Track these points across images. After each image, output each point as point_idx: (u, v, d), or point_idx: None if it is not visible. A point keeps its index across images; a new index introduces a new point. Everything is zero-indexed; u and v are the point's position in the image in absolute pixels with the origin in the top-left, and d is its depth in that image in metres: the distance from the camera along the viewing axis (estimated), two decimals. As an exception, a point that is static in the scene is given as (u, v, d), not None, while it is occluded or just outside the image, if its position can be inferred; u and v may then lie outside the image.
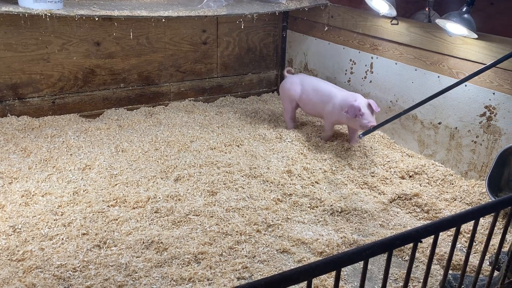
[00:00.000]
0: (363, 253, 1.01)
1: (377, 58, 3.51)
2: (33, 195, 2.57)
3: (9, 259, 2.08)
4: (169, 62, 3.93)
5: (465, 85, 2.91)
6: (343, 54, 3.80)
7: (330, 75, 3.98)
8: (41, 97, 3.53)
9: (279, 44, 4.43)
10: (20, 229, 2.28)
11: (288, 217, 2.51)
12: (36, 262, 2.05)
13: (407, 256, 2.27)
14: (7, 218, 2.35)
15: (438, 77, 3.08)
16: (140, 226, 2.35)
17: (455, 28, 2.82)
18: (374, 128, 3.00)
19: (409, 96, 3.31)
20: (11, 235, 2.23)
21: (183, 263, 2.11)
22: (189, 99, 4.14)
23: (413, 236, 1.12)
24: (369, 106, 3.04)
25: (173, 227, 2.37)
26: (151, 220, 2.42)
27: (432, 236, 1.25)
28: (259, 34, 4.30)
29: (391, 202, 2.71)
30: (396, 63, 3.37)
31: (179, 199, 2.61)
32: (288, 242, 2.31)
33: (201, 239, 2.28)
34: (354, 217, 2.55)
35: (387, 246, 1.07)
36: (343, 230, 2.43)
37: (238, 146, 3.36)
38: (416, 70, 3.23)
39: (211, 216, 2.47)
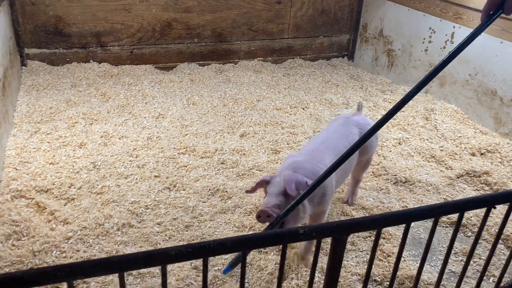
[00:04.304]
0: (434, 211, 1.02)
1: (459, 27, 3.32)
2: (111, 137, 2.76)
3: (89, 191, 2.28)
4: (242, 20, 3.96)
5: (557, 62, 2.69)
6: (423, 21, 3.62)
7: (406, 43, 3.82)
8: (120, 46, 3.71)
9: (355, 7, 4.29)
10: (100, 166, 2.47)
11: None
12: (113, 197, 2.23)
13: (470, 232, 2.22)
14: (88, 155, 2.56)
15: (527, 51, 2.87)
16: (207, 175, 2.47)
17: (553, -1, 2.58)
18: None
19: (490, 71, 3.12)
20: (92, 170, 2.44)
21: (245, 212, 2.21)
22: (258, 58, 4.17)
23: (488, 201, 1.10)
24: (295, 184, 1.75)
25: (237, 179, 2.47)
26: (217, 170, 2.53)
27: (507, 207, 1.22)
28: (334, -4, 4.19)
29: (458, 177, 2.63)
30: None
31: (244, 154, 2.70)
32: (348, 206, 2.33)
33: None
34: (418, 188, 2.51)
35: (460, 207, 1.06)
36: (405, 200, 2.41)
37: (303, 108, 3.37)
38: (501, 43, 3.03)
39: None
